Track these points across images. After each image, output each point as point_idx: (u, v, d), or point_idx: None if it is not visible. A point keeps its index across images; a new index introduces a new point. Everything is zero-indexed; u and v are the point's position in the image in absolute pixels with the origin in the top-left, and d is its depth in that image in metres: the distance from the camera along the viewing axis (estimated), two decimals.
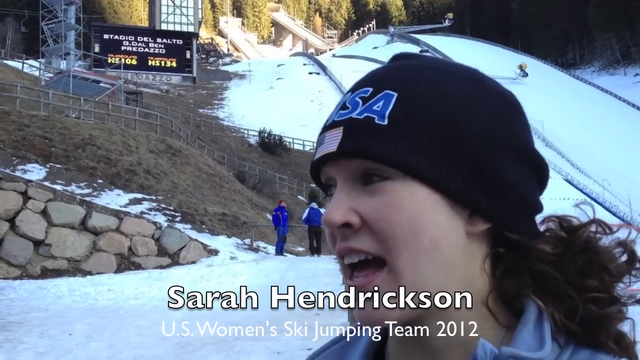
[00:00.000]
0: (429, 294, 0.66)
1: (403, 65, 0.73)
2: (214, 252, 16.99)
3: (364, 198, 0.67)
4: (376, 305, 0.66)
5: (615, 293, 0.69)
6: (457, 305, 0.67)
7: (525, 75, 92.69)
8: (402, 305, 0.65)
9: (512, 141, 0.70)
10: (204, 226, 19.63)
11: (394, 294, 0.66)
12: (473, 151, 0.67)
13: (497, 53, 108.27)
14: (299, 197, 41.15)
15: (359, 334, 0.80)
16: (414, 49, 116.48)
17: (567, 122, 71.31)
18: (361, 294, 0.67)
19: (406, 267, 0.65)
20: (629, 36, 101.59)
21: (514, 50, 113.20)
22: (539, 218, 0.74)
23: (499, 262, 0.71)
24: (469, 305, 0.68)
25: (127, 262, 15.70)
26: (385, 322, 0.67)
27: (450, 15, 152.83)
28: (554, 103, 75.42)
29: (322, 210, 21.38)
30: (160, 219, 18.33)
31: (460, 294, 0.67)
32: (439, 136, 0.66)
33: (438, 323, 0.68)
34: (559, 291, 0.69)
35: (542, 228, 0.73)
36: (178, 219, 19.29)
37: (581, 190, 51.50)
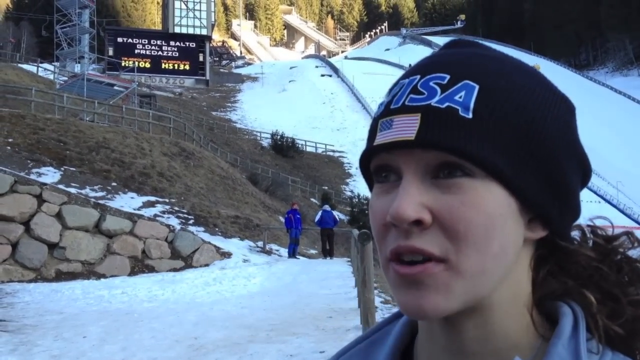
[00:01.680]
0: (483, 294, 0.64)
1: (475, 54, 0.69)
2: (227, 255, 17.02)
3: (436, 194, 0.63)
4: (427, 296, 0.63)
5: None
6: (504, 308, 0.66)
7: None
8: (455, 301, 0.63)
9: (575, 148, 0.69)
10: (216, 229, 19.67)
11: (448, 289, 0.62)
12: (548, 156, 0.65)
13: (509, 54, 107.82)
14: (312, 199, 41.17)
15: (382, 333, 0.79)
16: (426, 50, 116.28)
17: (580, 124, 70.14)
18: (411, 283, 0.63)
19: (470, 268, 0.62)
20: None
21: (527, 51, 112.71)
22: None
23: (541, 264, 0.70)
24: (515, 308, 0.67)
25: (140, 265, 15.76)
26: (434, 315, 0.63)
27: (462, 16, 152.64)
28: None
29: (335, 213, 21.36)
30: (174, 221, 18.39)
31: (509, 297, 0.66)
32: (519, 137, 0.64)
33: (478, 325, 0.67)
34: (600, 294, 0.68)
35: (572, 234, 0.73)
36: (191, 221, 19.34)
37: (595, 192, 51.13)
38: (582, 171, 0.70)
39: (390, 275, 0.66)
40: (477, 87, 0.64)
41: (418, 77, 0.67)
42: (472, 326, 0.66)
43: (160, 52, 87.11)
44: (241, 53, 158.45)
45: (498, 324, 0.66)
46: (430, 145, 0.63)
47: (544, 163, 0.65)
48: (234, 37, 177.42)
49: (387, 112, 0.67)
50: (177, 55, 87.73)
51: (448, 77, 0.65)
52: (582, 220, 0.74)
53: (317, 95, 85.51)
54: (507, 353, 0.65)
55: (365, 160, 0.70)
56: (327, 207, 21.35)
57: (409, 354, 0.76)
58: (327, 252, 20.37)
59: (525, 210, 0.65)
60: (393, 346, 0.75)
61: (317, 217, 20.85)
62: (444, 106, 0.63)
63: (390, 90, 0.70)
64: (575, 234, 0.73)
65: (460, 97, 0.63)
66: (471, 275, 0.63)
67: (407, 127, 0.64)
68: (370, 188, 0.72)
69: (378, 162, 0.68)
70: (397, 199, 0.63)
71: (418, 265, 0.63)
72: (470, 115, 0.63)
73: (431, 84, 0.65)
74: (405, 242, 0.63)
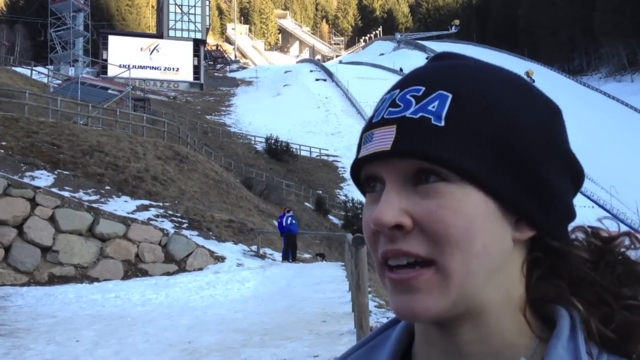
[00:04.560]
0: (472, 297, 0.66)
1: (452, 65, 0.72)
2: (220, 259, 16.98)
3: (416, 199, 0.66)
4: (419, 299, 0.65)
5: None
6: (497, 309, 0.68)
7: (532, 82, 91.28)
8: (445, 302, 0.65)
9: (558, 149, 0.71)
10: (210, 233, 19.64)
11: (438, 291, 0.65)
12: (526, 158, 0.67)
13: (503, 60, 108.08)
14: (306, 203, 41.14)
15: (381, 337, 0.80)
16: (420, 55, 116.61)
17: (573, 129, 70.34)
18: (404, 288, 0.66)
19: (457, 268, 0.65)
20: (636, 43, 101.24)
21: (521, 56, 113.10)
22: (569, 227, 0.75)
23: (535, 266, 0.71)
24: (508, 310, 0.68)
25: (134, 269, 15.72)
26: (425, 317, 0.66)
27: (457, 21, 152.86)
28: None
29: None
30: (167, 225, 18.35)
31: (501, 299, 0.68)
32: (494, 141, 0.66)
33: (472, 328, 0.68)
34: (595, 297, 0.69)
35: (571, 237, 0.74)
36: (185, 225, 19.30)
37: (588, 197, 51.25)
38: (569, 172, 0.72)
39: (386, 281, 0.68)
40: (450, 96, 0.67)
41: (397, 91, 0.70)
42: (466, 329, 0.68)
43: (154, 56, 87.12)
44: (236, 57, 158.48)
45: (492, 326, 0.68)
46: (405, 153, 0.66)
47: (520, 165, 0.66)
48: (228, 41, 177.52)
49: (369, 126, 0.71)
50: (171, 59, 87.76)
51: (423, 89, 0.68)
52: (590, 223, 0.75)
53: (312, 99, 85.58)
54: (505, 354, 0.67)
55: (356, 172, 0.73)
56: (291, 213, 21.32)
57: (408, 359, 0.77)
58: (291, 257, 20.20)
59: (509, 212, 0.67)
60: (392, 351, 0.76)
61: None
62: (417, 116, 0.66)
63: (376, 105, 0.73)
64: (579, 235, 0.74)
65: (433, 107, 0.66)
66: (459, 275, 0.65)
67: (384, 139, 0.67)
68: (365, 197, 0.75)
69: (365, 173, 0.71)
70: (378, 207, 0.67)
71: (409, 270, 0.66)
72: (443, 123, 0.65)
73: (407, 96, 0.68)
74: (391, 246, 0.66)
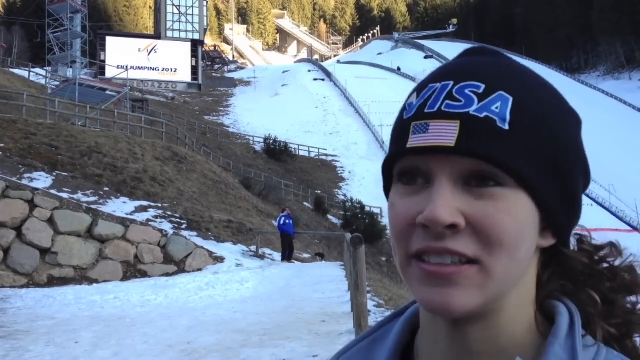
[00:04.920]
0: (501, 298, 0.67)
1: (504, 65, 0.71)
2: (219, 260, 16.96)
3: (470, 200, 0.66)
4: (457, 294, 0.65)
5: None
6: (513, 309, 0.69)
7: None
8: (480, 301, 0.65)
9: (583, 160, 0.72)
10: (209, 233, 19.63)
11: (477, 289, 0.65)
12: (567, 169, 0.68)
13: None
14: (305, 203, 41.16)
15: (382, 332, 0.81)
16: (419, 54, 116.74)
17: None
18: (440, 281, 0.65)
19: (500, 270, 0.65)
20: (634, 40, 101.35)
21: (519, 55, 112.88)
22: None
23: (544, 269, 0.73)
24: (521, 310, 0.69)
25: (133, 270, 15.70)
26: (459, 312, 0.66)
27: (455, 20, 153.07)
28: None
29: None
30: (166, 226, 18.33)
31: (517, 300, 0.69)
32: (547, 150, 0.66)
33: (485, 327, 0.69)
34: (598, 296, 0.71)
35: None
36: (184, 226, 19.29)
37: (587, 195, 51.23)
38: (585, 179, 0.73)
39: (414, 272, 0.68)
40: (511, 99, 0.66)
41: (452, 83, 0.68)
42: (480, 328, 0.68)
43: (152, 57, 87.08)
44: (234, 57, 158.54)
45: (505, 326, 0.69)
46: (469, 153, 0.65)
47: (563, 175, 0.68)
48: (226, 41, 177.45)
49: (421, 115, 0.68)
50: (169, 59, 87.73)
51: (483, 86, 0.67)
52: (590, 222, 0.76)
53: (310, 99, 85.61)
54: (511, 352, 0.67)
55: (391, 160, 0.71)
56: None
57: (410, 352, 0.78)
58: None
59: (541, 220, 0.68)
60: (394, 344, 0.77)
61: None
62: (482, 115, 0.65)
63: (419, 92, 0.71)
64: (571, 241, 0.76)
65: (497, 108, 0.65)
66: (500, 277, 0.65)
67: (445, 133, 0.65)
68: (387, 188, 0.74)
69: (407, 164, 0.69)
70: (433, 203, 0.65)
71: (451, 266, 0.65)
72: (507, 127, 0.65)
73: (467, 91, 0.67)
74: (437, 244, 0.65)
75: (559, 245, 0.71)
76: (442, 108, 0.66)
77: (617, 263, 0.74)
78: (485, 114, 0.65)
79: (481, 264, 0.65)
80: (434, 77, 0.71)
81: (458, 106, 0.66)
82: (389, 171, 0.73)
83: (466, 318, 0.68)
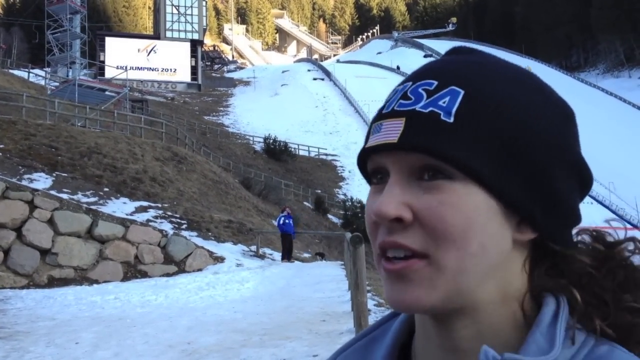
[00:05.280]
0: (467, 293, 0.66)
1: (465, 61, 0.71)
2: (220, 260, 16.96)
3: (418, 194, 0.66)
4: (411, 290, 0.66)
5: None
6: (492, 306, 0.68)
7: None
8: (436, 296, 0.65)
9: (566, 153, 0.70)
10: (210, 233, 19.63)
11: (429, 283, 0.65)
12: (533, 160, 0.66)
13: (501, 57, 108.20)
14: (305, 203, 41.15)
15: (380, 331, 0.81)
16: (418, 53, 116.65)
17: None
18: (397, 278, 0.66)
19: (450, 264, 0.65)
20: (633, 38, 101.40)
21: (518, 53, 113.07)
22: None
23: (536, 265, 0.71)
24: (504, 307, 0.68)
25: (133, 270, 15.70)
26: (416, 308, 0.66)
27: (454, 19, 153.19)
28: None
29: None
30: (167, 226, 18.33)
31: (497, 296, 0.68)
32: (502, 141, 0.65)
33: (468, 324, 0.68)
34: (594, 297, 0.69)
35: (576, 239, 0.74)
36: (184, 226, 19.29)
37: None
38: (577, 177, 0.71)
39: (381, 272, 0.69)
40: (462, 92, 0.66)
41: (410, 83, 0.70)
42: (461, 325, 0.68)
43: (152, 57, 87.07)
44: (233, 57, 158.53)
45: (487, 323, 0.68)
46: (410, 147, 0.65)
47: (526, 166, 0.66)
48: (225, 41, 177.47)
49: (379, 117, 0.71)
50: (168, 59, 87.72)
51: (436, 83, 0.68)
52: (590, 220, 0.74)
53: (310, 98, 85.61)
54: (499, 350, 0.66)
55: (362, 162, 0.73)
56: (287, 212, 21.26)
57: (408, 351, 0.78)
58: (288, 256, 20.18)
59: (512, 212, 0.67)
60: (392, 343, 0.77)
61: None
62: (427, 111, 0.66)
63: (388, 96, 0.72)
64: (585, 238, 0.74)
65: (444, 102, 0.66)
66: (451, 271, 0.65)
67: (392, 131, 0.67)
68: None
69: (372, 165, 0.71)
70: (380, 198, 0.67)
71: (401, 261, 0.66)
72: (452, 120, 0.65)
73: (419, 89, 0.68)
74: (388, 238, 0.66)
75: (546, 241, 0.70)
76: (395, 107, 0.68)
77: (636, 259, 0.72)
78: (430, 109, 0.66)
79: (429, 257, 0.65)
80: (401, 81, 0.72)
81: (407, 104, 0.67)
82: (366, 173, 0.74)
83: (445, 315, 0.68)
